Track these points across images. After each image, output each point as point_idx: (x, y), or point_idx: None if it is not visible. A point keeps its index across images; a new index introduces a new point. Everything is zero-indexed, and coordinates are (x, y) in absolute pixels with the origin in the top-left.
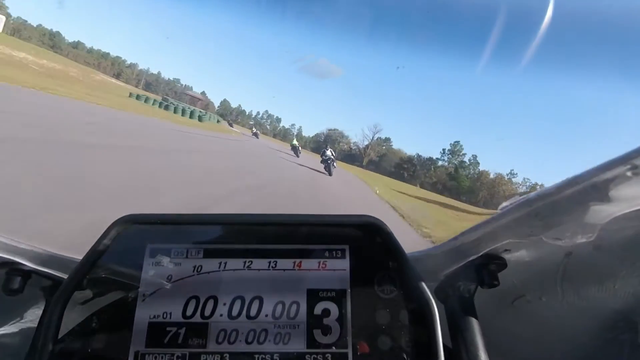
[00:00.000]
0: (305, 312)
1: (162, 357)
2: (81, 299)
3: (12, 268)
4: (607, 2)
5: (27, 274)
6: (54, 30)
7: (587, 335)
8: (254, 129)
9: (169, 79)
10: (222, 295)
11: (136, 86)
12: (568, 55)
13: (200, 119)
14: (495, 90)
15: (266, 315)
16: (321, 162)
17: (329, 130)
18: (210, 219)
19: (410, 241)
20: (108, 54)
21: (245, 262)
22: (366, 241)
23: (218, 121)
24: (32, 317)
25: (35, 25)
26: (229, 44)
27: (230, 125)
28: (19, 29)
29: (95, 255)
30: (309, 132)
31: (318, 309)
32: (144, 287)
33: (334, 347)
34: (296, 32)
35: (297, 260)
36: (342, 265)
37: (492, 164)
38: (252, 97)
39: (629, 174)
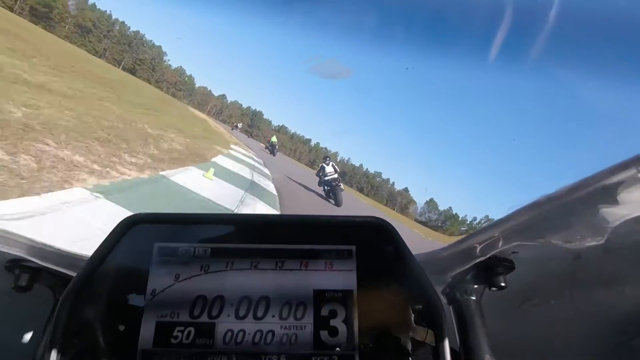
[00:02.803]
0: (312, 313)
1: (169, 357)
2: (89, 297)
3: (21, 265)
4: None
5: (36, 272)
6: (257, 109)
7: (596, 339)
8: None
9: (367, 170)
10: (229, 295)
11: None
12: (578, 56)
13: None
14: (505, 89)
15: (273, 316)
16: (319, 183)
17: None
18: (217, 218)
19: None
20: (309, 140)
21: (252, 262)
22: (373, 242)
23: None
24: (41, 314)
25: (244, 106)
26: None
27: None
28: (221, 109)
29: (103, 254)
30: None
31: (325, 310)
32: (151, 286)
33: (340, 349)
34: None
35: (304, 261)
36: (349, 266)
37: (502, 165)
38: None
39: (639, 176)
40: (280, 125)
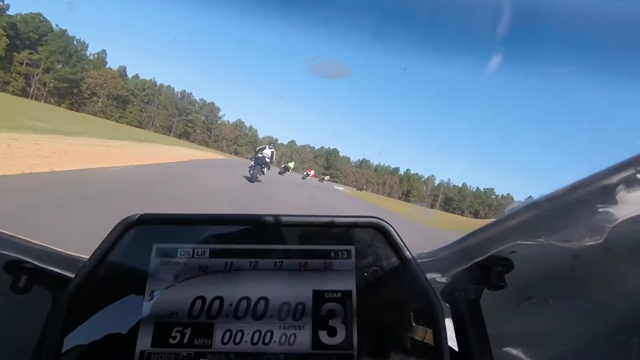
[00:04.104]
0: (311, 313)
1: (167, 357)
2: (87, 298)
3: (19, 267)
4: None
5: (34, 273)
6: (331, 148)
7: (594, 338)
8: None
9: (477, 188)
10: (228, 296)
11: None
12: (579, 55)
13: None
14: (504, 90)
15: (272, 316)
16: (252, 158)
17: None
18: (216, 219)
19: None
20: (397, 169)
21: (251, 262)
22: (372, 242)
23: None
24: (39, 315)
25: (315, 148)
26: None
27: None
28: (291, 156)
29: (102, 255)
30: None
31: (324, 309)
32: (150, 287)
33: (339, 349)
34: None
35: (303, 261)
36: (347, 266)
37: (499, 166)
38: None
39: (638, 176)
40: (361, 159)
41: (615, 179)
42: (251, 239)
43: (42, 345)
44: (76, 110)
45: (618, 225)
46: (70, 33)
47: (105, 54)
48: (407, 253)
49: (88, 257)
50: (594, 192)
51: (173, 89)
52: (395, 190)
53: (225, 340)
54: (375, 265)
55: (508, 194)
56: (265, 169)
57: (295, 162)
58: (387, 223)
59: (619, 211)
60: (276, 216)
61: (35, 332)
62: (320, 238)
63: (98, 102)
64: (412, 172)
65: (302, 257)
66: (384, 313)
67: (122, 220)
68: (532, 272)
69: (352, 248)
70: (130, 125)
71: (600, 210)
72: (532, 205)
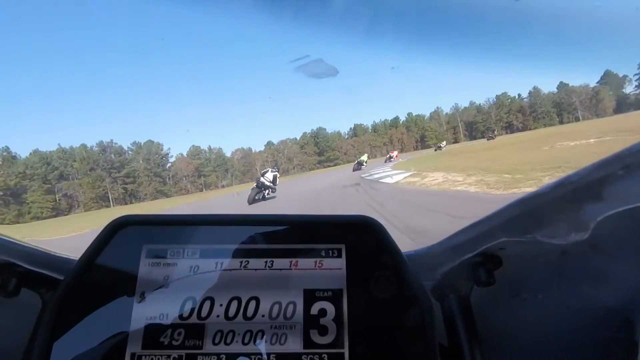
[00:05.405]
0: (302, 312)
1: (158, 359)
2: (77, 300)
3: (8, 269)
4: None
5: (23, 276)
6: (315, 129)
7: (583, 333)
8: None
9: (484, 103)
10: (219, 296)
11: None
12: (565, 54)
13: None
14: (492, 89)
15: (263, 316)
16: (257, 180)
17: None
18: (206, 219)
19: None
20: (397, 119)
21: (241, 262)
22: (362, 240)
23: None
24: (29, 319)
25: (297, 138)
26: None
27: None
28: (275, 159)
29: (92, 256)
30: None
31: (314, 308)
32: (140, 288)
33: (330, 347)
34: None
35: (294, 260)
36: (338, 265)
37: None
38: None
39: (620, 172)
40: (353, 126)
41: (598, 175)
42: (242, 239)
43: (31, 351)
44: None
45: (603, 220)
46: None
47: None
48: (398, 251)
49: (78, 258)
50: (579, 188)
51: (85, 145)
52: (408, 141)
53: (217, 340)
54: (365, 264)
55: (533, 88)
56: (268, 192)
57: (367, 155)
58: (377, 221)
59: (604, 207)
60: (266, 216)
61: (24, 335)
62: (311, 237)
63: None
64: (415, 113)
65: (293, 257)
66: (375, 311)
67: (111, 222)
68: (521, 269)
69: (343, 246)
70: (40, 218)
71: (585, 206)
72: (520, 202)
